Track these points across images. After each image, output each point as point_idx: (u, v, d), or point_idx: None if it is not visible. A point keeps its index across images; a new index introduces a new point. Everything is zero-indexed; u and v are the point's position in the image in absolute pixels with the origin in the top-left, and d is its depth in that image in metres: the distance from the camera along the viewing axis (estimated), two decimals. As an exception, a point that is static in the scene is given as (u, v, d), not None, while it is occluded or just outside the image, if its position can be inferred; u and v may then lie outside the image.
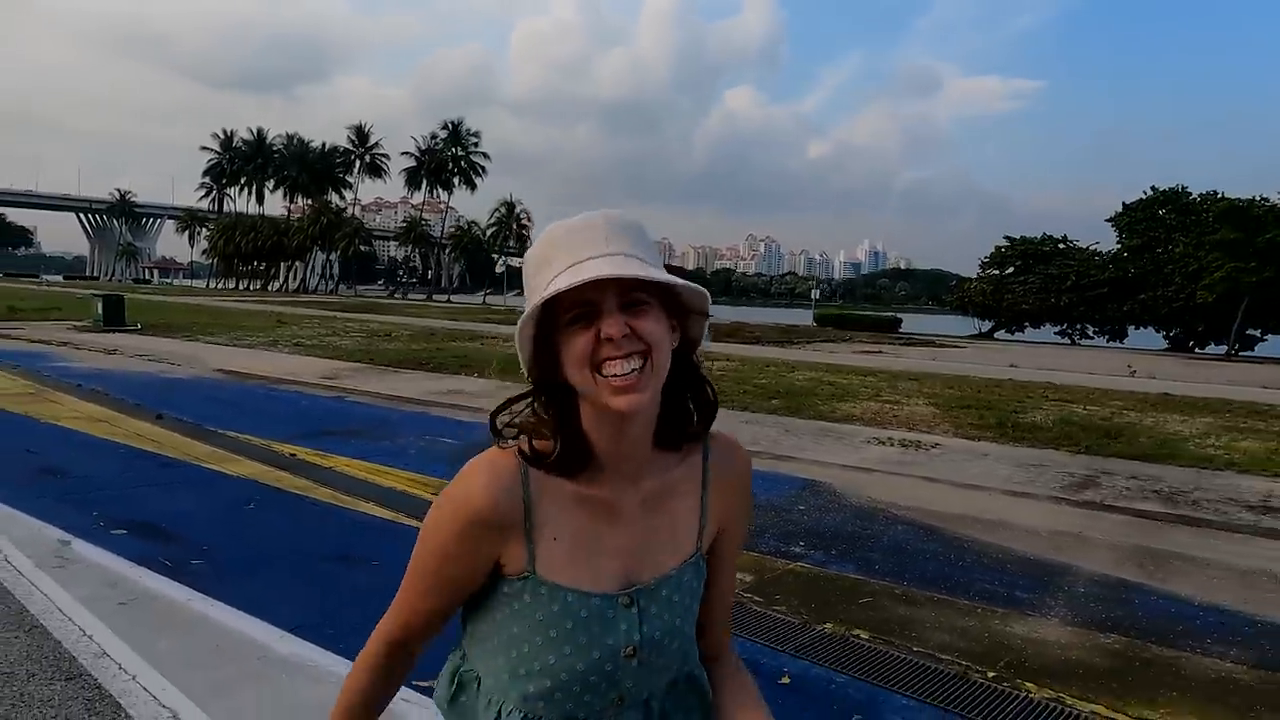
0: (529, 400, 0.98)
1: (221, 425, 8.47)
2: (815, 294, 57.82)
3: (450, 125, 74.41)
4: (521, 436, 0.97)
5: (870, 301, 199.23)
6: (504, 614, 0.97)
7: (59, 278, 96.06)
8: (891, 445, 8.73)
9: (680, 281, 0.91)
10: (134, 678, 3.12)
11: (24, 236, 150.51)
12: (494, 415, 0.99)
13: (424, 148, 73.85)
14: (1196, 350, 39.29)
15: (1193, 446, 8.98)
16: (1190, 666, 3.73)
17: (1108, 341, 43.44)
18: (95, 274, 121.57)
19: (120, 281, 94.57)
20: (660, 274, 0.89)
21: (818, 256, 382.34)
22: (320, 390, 11.72)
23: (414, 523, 5.44)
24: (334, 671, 3.20)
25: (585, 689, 0.96)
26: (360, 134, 78.59)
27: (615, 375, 0.89)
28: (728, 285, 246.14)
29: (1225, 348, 37.31)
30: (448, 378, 13.10)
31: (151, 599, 3.93)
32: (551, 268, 0.90)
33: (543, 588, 0.95)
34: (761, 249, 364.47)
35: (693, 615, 1.04)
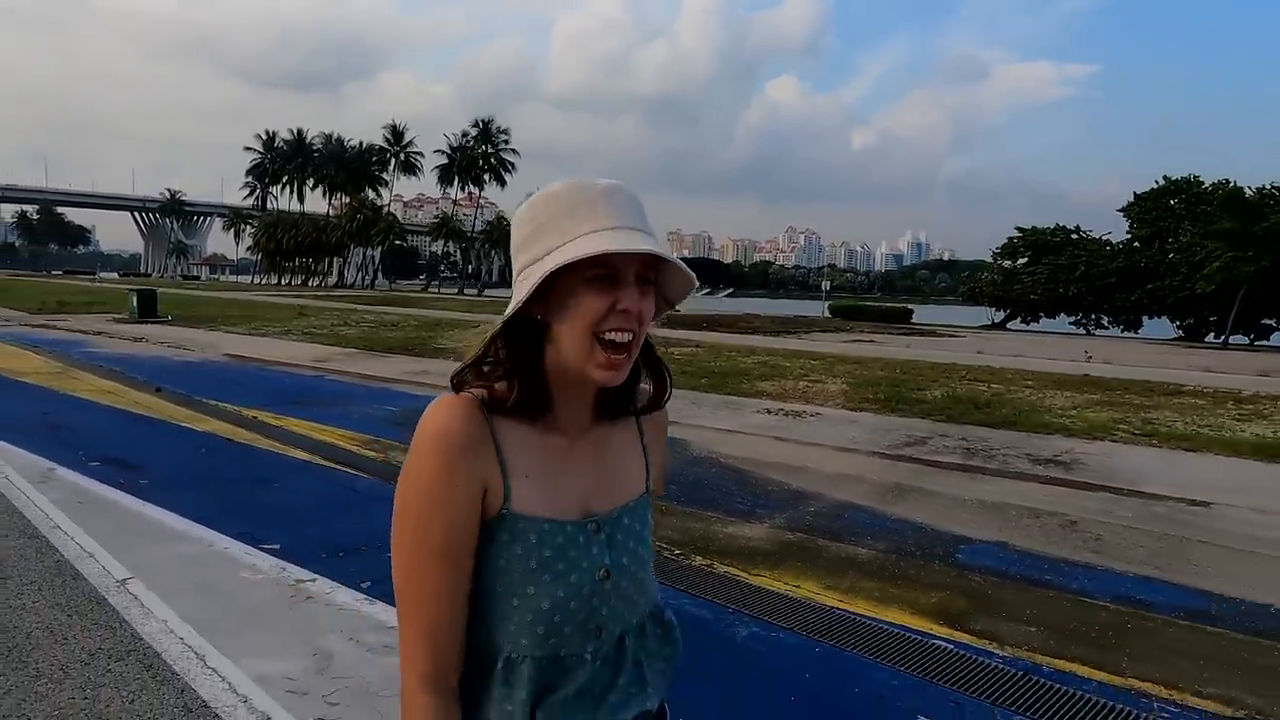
0: (492, 344, 1.00)
1: (208, 396, 10.14)
2: (826, 285, 57.93)
3: (480, 123, 76.52)
4: (476, 387, 1.00)
5: (909, 293, 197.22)
6: (481, 560, 0.98)
7: (114, 275, 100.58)
8: (774, 414, 10.08)
9: (688, 271, 0.99)
10: (79, 544, 4.69)
11: (83, 235, 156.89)
12: (460, 370, 1.02)
13: (455, 145, 76.06)
14: (1208, 340, 39.45)
15: (1046, 416, 10.16)
16: (837, 552, 5.09)
17: (1122, 332, 43.73)
18: (148, 271, 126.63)
19: (171, 278, 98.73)
20: (679, 260, 0.97)
21: (859, 248, 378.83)
22: (307, 371, 13.40)
23: (326, 463, 7.01)
24: (211, 539, 4.74)
25: (566, 618, 0.98)
26: (395, 133, 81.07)
27: (612, 346, 0.95)
28: (765, 278, 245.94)
29: (1243, 337, 37.50)
30: (426, 360, 14.69)
31: (103, 501, 5.53)
32: (577, 222, 0.94)
33: (520, 522, 0.98)
34: (801, 241, 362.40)
35: (649, 546, 1.10)
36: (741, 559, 4.90)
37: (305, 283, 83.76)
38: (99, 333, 18.95)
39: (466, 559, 0.96)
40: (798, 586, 4.47)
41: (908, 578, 4.67)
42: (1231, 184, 39.21)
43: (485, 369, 1.00)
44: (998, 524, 5.82)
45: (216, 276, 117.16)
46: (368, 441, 7.83)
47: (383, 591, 4.01)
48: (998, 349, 23.47)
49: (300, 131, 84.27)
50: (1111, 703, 3.28)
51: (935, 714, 3.16)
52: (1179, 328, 42.13)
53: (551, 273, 0.92)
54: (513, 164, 77.94)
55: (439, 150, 77.40)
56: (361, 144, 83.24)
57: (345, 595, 4.05)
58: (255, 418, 8.88)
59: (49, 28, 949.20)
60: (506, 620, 0.97)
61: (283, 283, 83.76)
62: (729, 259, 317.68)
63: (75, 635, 3.50)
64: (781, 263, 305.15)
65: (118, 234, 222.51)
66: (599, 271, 0.93)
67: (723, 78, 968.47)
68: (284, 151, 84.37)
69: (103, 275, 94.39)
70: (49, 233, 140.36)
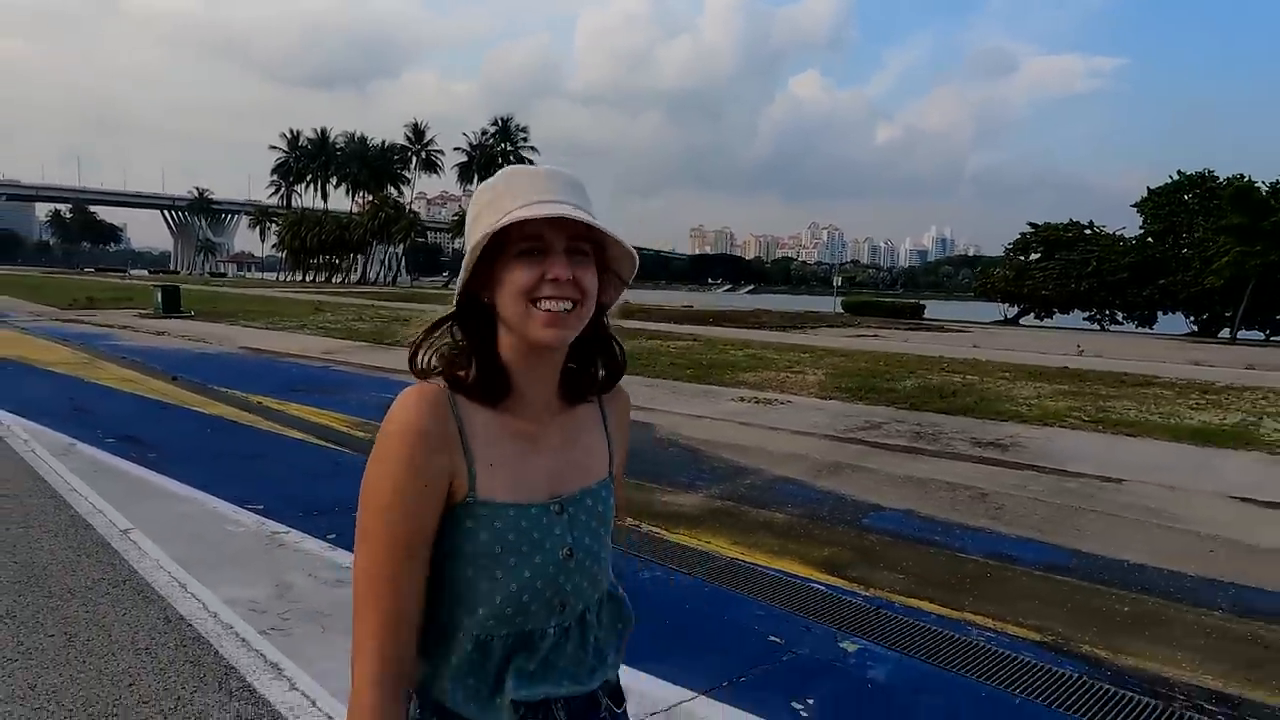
0: (446, 326, 1.05)
1: (220, 384, 10.92)
2: (838, 281, 58.15)
3: (500, 121, 77.66)
4: (440, 375, 1.04)
5: (932, 289, 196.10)
6: (447, 546, 1.02)
7: (144, 272, 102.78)
8: (746, 402, 10.69)
9: (619, 240, 1.02)
10: (90, 502, 5.43)
11: (114, 233, 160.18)
12: (415, 348, 1.06)
13: (475, 143, 77.12)
14: (1221, 335, 39.40)
15: (1006, 405, 10.68)
16: (755, 517, 5.72)
17: (1136, 327, 43.74)
18: (177, 268, 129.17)
19: (199, 275, 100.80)
20: (611, 229, 1.00)
21: (882, 244, 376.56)
22: (315, 362, 14.19)
23: (317, 441, 7.73)
24: (204, 500, 5.46)
25: (533, 596, 1.03)
26: (416, 131, 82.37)
27: (549, 310, 0.98)
28: (787, 274, 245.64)
29: (1259, 332, 37.48)
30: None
31: (115, 470, 6.28)
32: (512, 200, 0.99)
33: (484, 508, 1.01)
34: (824, 237, 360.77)
35: (609, 526, 1.14)
36: (667, 521, 5.53)
37: (329, 280, 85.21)
38: (124, 327, 19.92)
39: (425, 550, 1.00)
40: (709, 542, 5.11)
41: (810, 536, 5.29)
42: (1246, 178, 39.12)
43: (446, 355, 1.04)
44: (914, 495, 6.41)
45: (243, 274, 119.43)
46: (358, 423, 8.54)
47: (345, 542, 4.69)
48: (996, 343, 23.87)
49: (324, 130, 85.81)
50: (941, 630, 3.89)
51: (785, 636, 3.78)
52: (1193, 323, 42.12)
53: (493, 257, 0.99)
54: (532, 161, 78.76)
55: (458, 148, 78.63)
56: (384, 142, 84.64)
57: (312, 544, 4.74)
58: (260, 403, 9.64)
59: (80, 29, 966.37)
60: (476, 602, 1.02)
61: (306, 280, 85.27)
62: (751, 255, 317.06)
63: (83, 569, 4.22)
64: (804, 259, 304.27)
65: (149, 232, 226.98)
66: (527, 245, 0.98)
67: (745, 73, 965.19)
68: (308, 150, 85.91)
69: (133, 273, 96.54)
70: (81, 231, 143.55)
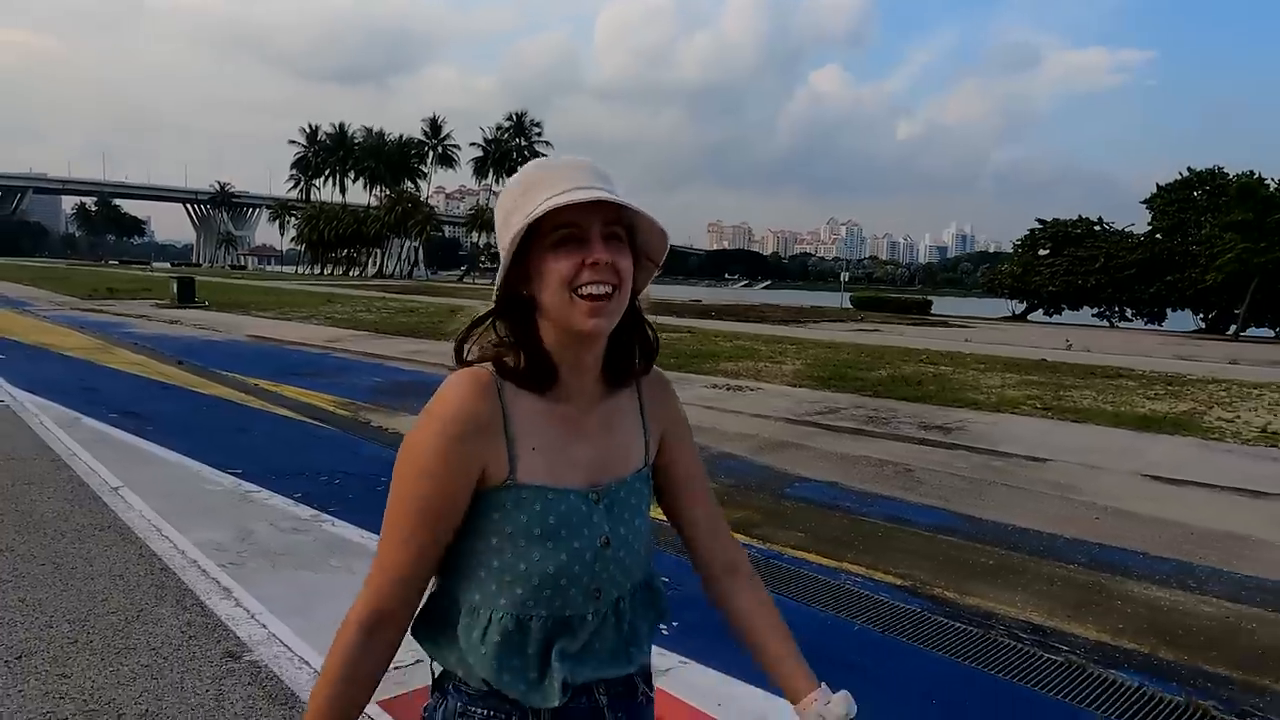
0: (488, 322, 1.08)
1: (222, 369, 11.60)
2: (845, 277, 58.38)
3: (515, 116, 78.42)
4: (486, 362, 1.06)
5: (950, 286, 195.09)
6: (484, 527, 1.04)
7: (167, 265, 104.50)
8: (718, 389, 11.22)
9: (652, 219, 1.04)
10: (88, 465, 6.07)
11: (138, 226, 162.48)
12: (459, 343, 1.09)
13: (490, 138, 77.90)
14: (1227, 331, 39.40)
15: (967, 393, 11.14)
16: (688, 486, 6.26)
17: (1146, 324, 43.77)
18: (199, 261, 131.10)
19: (221, 268, 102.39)
20: (644, 210, 1.02)
21: (901, 240, 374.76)
22: (316, 349, 14.86)
23: (302, 418, 8.35)
24: (189, 464, 6.09)
25: (571, 581, 1.05)
26: (434, 126, 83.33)
27: (592, 296, 0.99)
28: (805, 270, 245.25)
29: (1269, 330, 37.49)
30: (426, 342, 16.06)
31: (113, 439, 6.93)
32: (542, 191, 1.00)
33: (524, 491, 1.04)
34: (842, 233, 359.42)
35: (646, 518, 1.15)
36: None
37: (346, 273, 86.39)
38: (140, 316, 20.73)
39: (446, 527, 1.03)
40: (636, 505, 5.66)
41: (732, 502, 5.83)
42: (1256, 175, 39.07)
43: (492, 346, 1.07)
44: (842, 470, 6.94)
45: (263, 267, 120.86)
46: (344, 403, 9.16)
47: (310, 500, 5.29)
48: (990, 338, 24.23)
49: (342, 125, 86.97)
50: (819, 576, 4.43)
51: (674, 577, 4.33)
52: (1202, 320, 42.11)
53: (529, 251, 1.01)
54: (546, 156, 79.53)
55: (474, 143, 79.44)
56: (401, 137, 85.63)
57: (279, 500, 5.34)
58: (256, 384, 10.29)
59: (106, 25, 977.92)
60: (515, 583, 1.03)
61: (325, 273, 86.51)
62: (769, 250, 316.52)
63: (75, 517, 4.84)
64: (822, 254, 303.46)
65: (173, 226, 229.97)
66: (563, 233, 1.00)
67: (766, 68, 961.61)
68: (326, 145, 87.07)
69: (156, 265, 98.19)
70: (106, 224, 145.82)
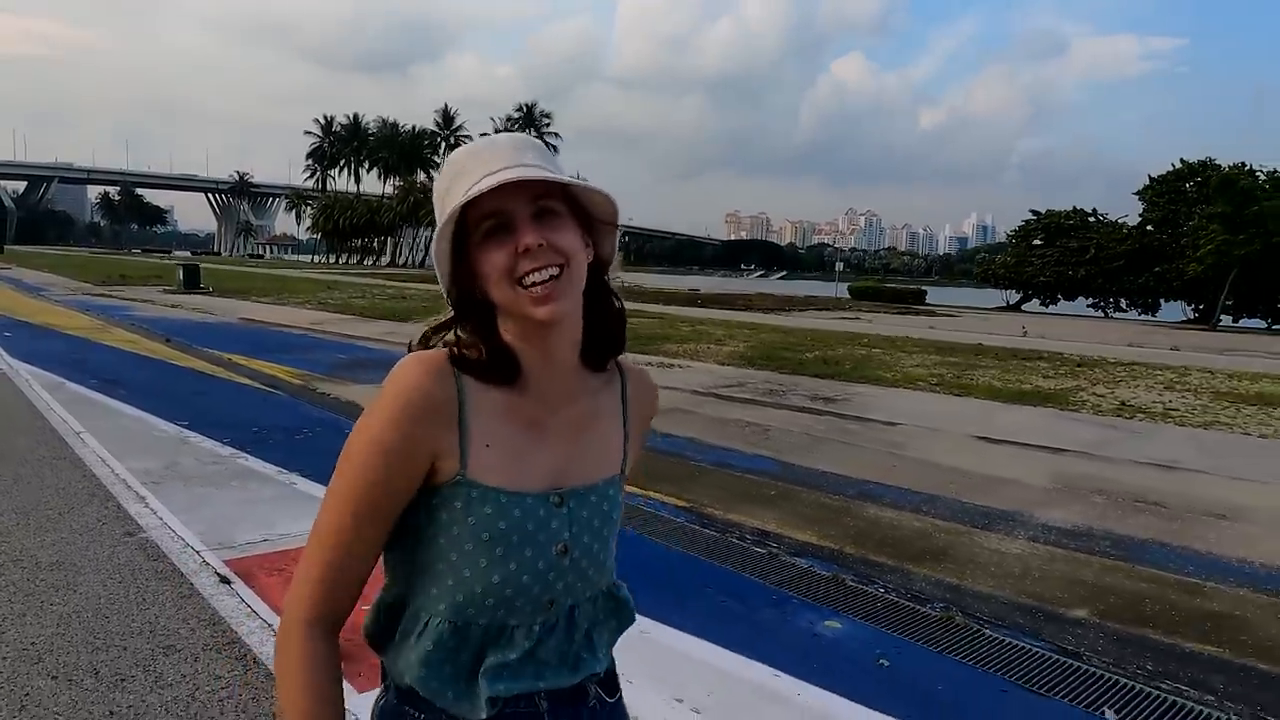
0: (452, 328, 1.02)
1: (205, 345, 12.84)
2: (840, 266, 59.12)
3: (524, 107, 79.68)
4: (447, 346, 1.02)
5: (966, 277, 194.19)
6: (433, 527, 0.98)
7: (188, 253, 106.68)
8: (650, 366, 12.28)
9: (582, 183, 0.96)
10: (61, 418, 7.28)
11: (160, 215, 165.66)
12: (422, 342, 1.04)
13: (499, 129, 79.05)
14: (1220, 323, 39.91)
15: (878, 372, 12.16)
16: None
17: (1139, 315, 44.34)
18: (220, 250, 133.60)
19: (240, 256, 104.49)
20: (564, 177, 0.95)
21: (921, 231, 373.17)
22: (298, 330, 16.10)
23: (259, 386, 9.55)
24: (143, 417, 7.29)
25: (518, 592, 0.98)
26: (446, 117, 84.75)
27: (535, 284, 0.93)
28: (821, 260, 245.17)
29: (1263, 320, 38.04)
30: (403, 325, 17.25)
31: (89, 400, 8.17)
32: (464, 181, 0.94)
33: (474, 490, 0.97)
34: (861, 223, 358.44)
35: (614, 526, 1.08)
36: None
37: (360, 262, 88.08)
38: (145, 300, 22.12)
39: (388, 514, 0.97)
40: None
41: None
42: (1246, 166, 39.47)
43: (452, 341, 1.02)
44: (706, 429, 8.02)
45: (280, 255, 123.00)
46: (303, 375, 10.35)
47: (238, 445, 6.45)
48: (955, 325, 25.20)
49: (356, 116, 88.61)
50: (670, 517, 5.52)
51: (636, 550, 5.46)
52: (1193, 310, 42.62)
53: (469, 249, 0.96)
54: (556, 147, 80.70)
55: (484, 134, 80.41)
56: (414, 128, 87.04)
57: (209, 443, 6.52)
58: (230, 359, 11.51)
59: (130, 14, 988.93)
60: (457, 588, 0.97)
61: (339, 262, 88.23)
62: (787, 241, 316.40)
63: (38, 452, 6.06)
64: (840, 245, 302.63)
65: (195, 214, 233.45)
66: (489, 224, 0.94)
67: (788, 56, 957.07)
68: (341, 135, 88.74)
69: (177, 254, 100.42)
70: (129, 213, 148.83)
